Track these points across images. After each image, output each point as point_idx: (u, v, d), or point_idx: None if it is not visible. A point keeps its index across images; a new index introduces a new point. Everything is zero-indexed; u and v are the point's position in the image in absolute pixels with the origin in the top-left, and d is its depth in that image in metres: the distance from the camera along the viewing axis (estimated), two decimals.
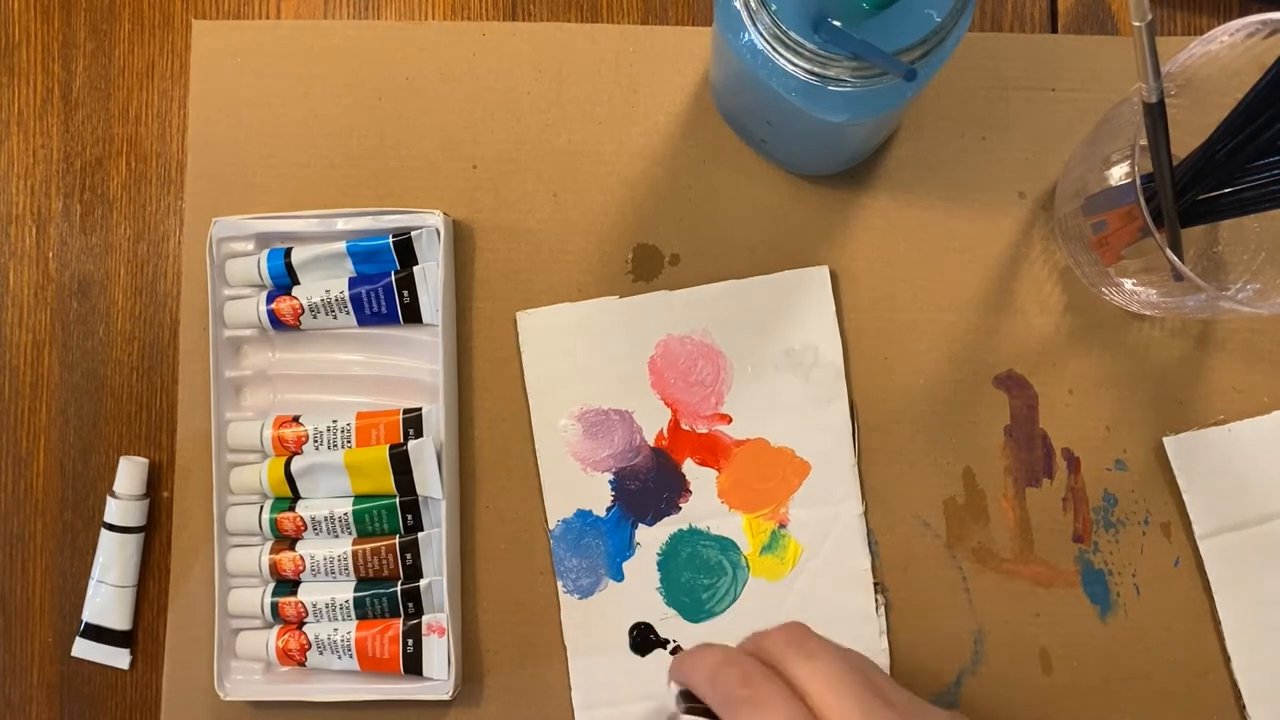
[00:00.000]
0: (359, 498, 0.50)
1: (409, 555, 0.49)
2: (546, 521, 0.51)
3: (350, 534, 0.49)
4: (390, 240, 0.49)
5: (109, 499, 0.51)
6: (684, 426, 0.51)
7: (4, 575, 0.52)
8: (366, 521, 0.49)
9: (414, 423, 0.49)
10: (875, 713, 0.33)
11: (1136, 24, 0.39)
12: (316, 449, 0.50)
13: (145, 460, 0.51)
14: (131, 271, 0.53)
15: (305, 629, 0.49)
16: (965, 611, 0.50)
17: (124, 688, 0.52)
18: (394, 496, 0.49)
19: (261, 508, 0.50)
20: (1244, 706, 0.49)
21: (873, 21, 0.37)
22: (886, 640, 0.50)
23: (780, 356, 0.50)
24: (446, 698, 0.48)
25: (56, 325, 0.53)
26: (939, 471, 0.50)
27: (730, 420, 0.50)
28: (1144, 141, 0.41)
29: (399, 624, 0.49)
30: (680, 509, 0.50)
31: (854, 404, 0.50)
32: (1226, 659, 0.49)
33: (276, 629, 0.49)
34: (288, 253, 0.50)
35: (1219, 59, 0.42)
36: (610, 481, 0.51)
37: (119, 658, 0.51)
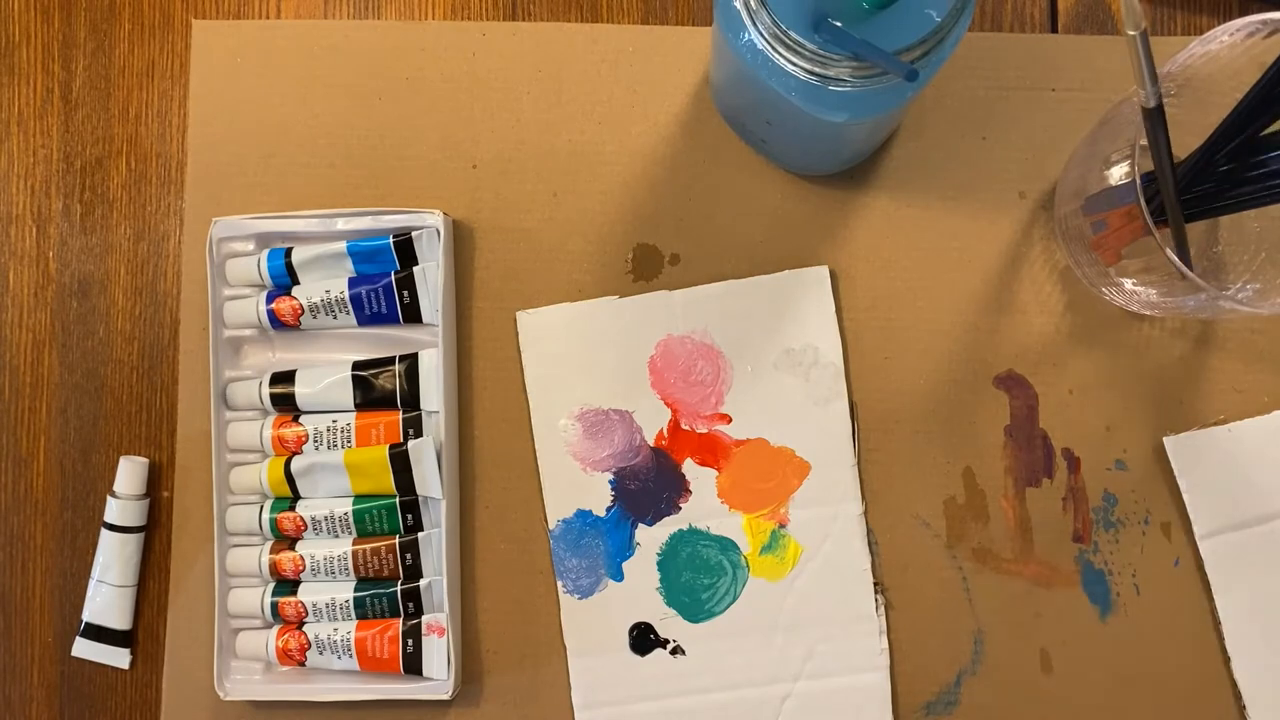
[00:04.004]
0: (359, 497, 0.50)
1: (409, 555, 0.49)
2: (546, 521, 0.51)
3: (350, 534, 0.50)
4: (391, 240, 0.49)
5: (109, 499, 0.51)
6: (684, 426, 0.51)
7: (4, 575, 0.52)
8: (366, 521, 0.49)
9: (414, 423, 0.49)
10: None
11: (1130, 32, 0.39)
12: (316, 449, 0.50)
13: (145, 460, 0.51)
14: (131, 271, 0.53)
15: (305, 629, 0.49)
16: (965, 611, 0.50)
17: (124, 688, 0.52)
18: (394, 496, 0.49)
19: (261, 508, 0.50)
20: (1244, 706, 0.49)
21: (873, 21, 0.37)
22: (886, 640, 0.50)
23: (780, 356, 0.50)
24: (446, 697, 0.48)
25: (56, 325, 0.53)
26: (939, 471, 0.50)
27: (730, 420, 0.50)
28: (1144, 141, 0.42)
29: (399, 624, 0.49)
30: (680, 509, 0.50)
31: (854, 404, 0.50)
32: (1226, 659, 0.49)
33: (276, 629, 0.49)
34: (288, 253, 0.50)
35: (1219, 59, 0.42)
36: (610, 481, 0.51)
37: (119, 658, 0.51)
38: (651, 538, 0.50)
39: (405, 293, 0.49)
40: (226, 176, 0.52)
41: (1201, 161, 0.43)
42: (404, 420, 0.49)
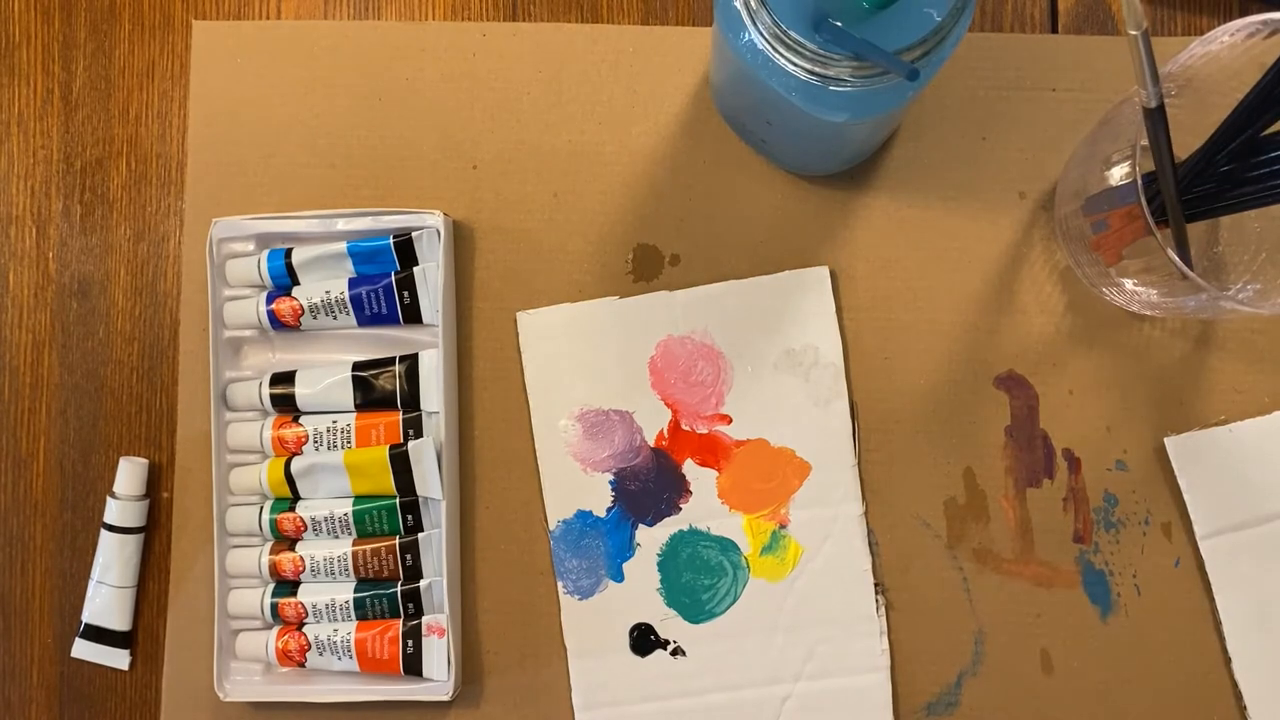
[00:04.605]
0: (359, 498, 0.50)
1: (409, 556, 0.49)
2: (546, 522, 0.51)
3: (350, 534, 0.49)
4: (391, 241, 0.49)
5: (109, 499, 0.51)
6: (684, 427, 0.51)
7: (4, 576, 0.52)
8: (366, 522, 0.49)
9: (414, 423, 0.49)
10: None
11: (1132, 32, 0.39)
12: (316, 449, 0.50)
13: (145, 461, 0.51)
14: (131, 272, 0.53)
15: (305, 630, 0.49)
16: (966, 612, 0.50)
17: (124, 688, 0.52)
18: (394, 497, 0.49)
19: (261, 508, 0.50)
20: (1244, 707, 0.49)
21: (873, 21, 0.37)
22: (887, 640, 0.50)
23: (780, 356, 0.50)
24: (446, 698, 0.48)
25: (56, 326, 0.53)
26: (939, 471, 0.50)
27: (730, 420, 0.50)
28: (1145, 141, 0.42)
29: (399, 625, 0.49)
30: (680, 509, 0.50)
31: (854, 404, 0.50)
32: (1226, 659, 0.49)
33: (276, 630, 0.49)
34: (288, 253, 0.50)
35: (1219, 59, 0.42)
36: (610, 482, 0.50)
37: (119, 658, 0.51)
38: (652, 538, 0.50)
39: (405, 293, 0.49)
40: (226, 176, 0.52)
41: (1202, 162, 0.43)
42: (404, 421, 0.49)
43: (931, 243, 0.51)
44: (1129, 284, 0.46)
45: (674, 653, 0.50)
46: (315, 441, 0.50)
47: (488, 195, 0.52)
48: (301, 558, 0.49)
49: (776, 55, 0.39)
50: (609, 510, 0.50)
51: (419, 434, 0.49)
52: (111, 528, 0.50)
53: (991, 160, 0.51)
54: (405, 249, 0.49)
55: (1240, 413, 0.50)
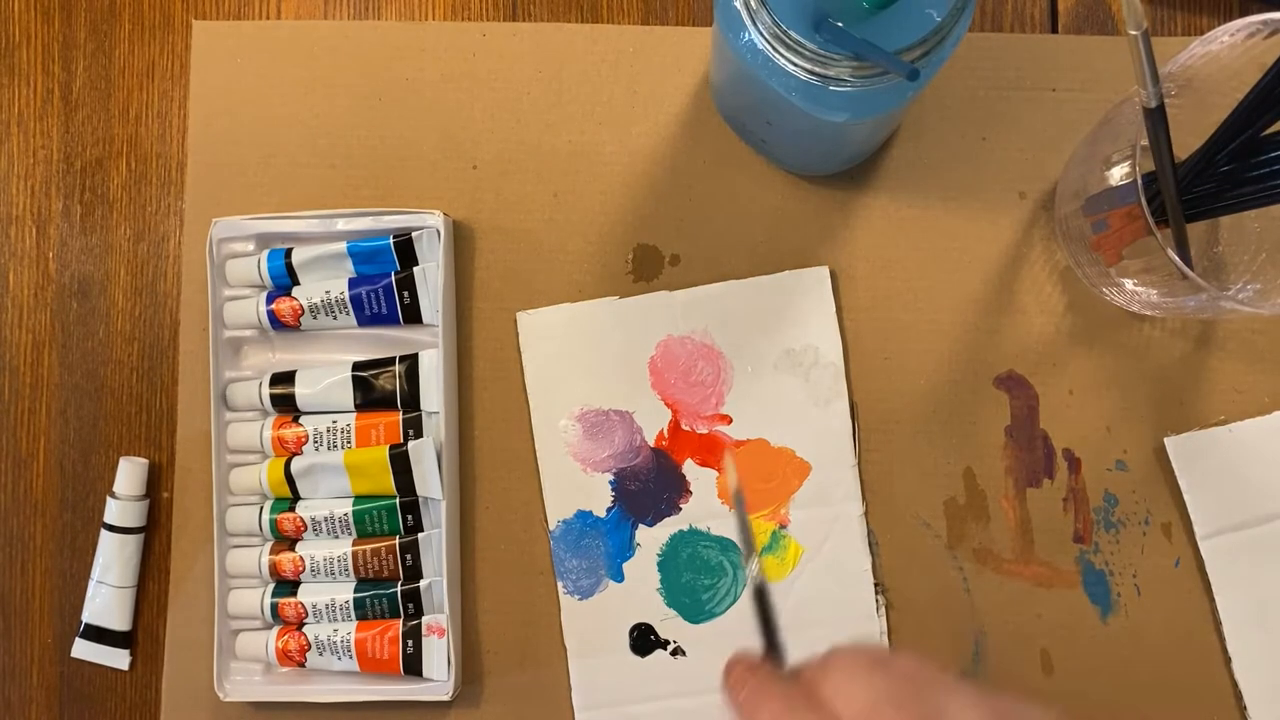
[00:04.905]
0: (359, 498, 0.50)
1: (409, 556, 0.49)
2: (546, 522, 0.50)
3: (350, 534, 0.49)
4: (391, 241, 0.49)
5: (109, 499, 0.51)
6: (684, 427, 0.51)
7: (4, 576, 0.52)
8: (366, 522, 0.49)
9: (414, 423, 0.49)
10: None
11: (1132, 32, 0.39)
12: (316, 449, 0.50)
13: (145, 461, 0.51)
14: (131, 272, 0.53)
15: (305, 630, 0.49)
16: (966, 612, 0.50)
17: (124, 688, 0.52)
18: (394, 497, 0.49)
19: (261, 508, 0.50)
20: (1244, 707, 0.49)
21: (873, 21, 0.37)
22: (887, 641, 0.50)
23: (780, 356, 0.50)
24: (446, 699, 0.48)
25: (56, 326, 0.53)
26: (939, 471, 0.50)
27: (730, 421, 0.50)
28: (1145, 141, 0.42)
29: (399, 625, 0.49)
30: (680, 510, 0.50)
31: (854, 404, 0.50)
32: (1226, 659, 0.49)
33: (276, 630, 0.49)
34: (288, 253, 0.50)
35: (1219, 59, 0.42)
36: (610, 482, 0.50)
37: (119, 658, 0.51)
38: (652, 538, 0.50)
39: (405, 293, 0.49)
40: (226, 176, 0.52)
41: (1202, 162, 0.43)
42: (404, 421, 0.49)
43: (931, 243, 0.51)
44: (1129, 284, 0.46)
45: (674, 653, 0.50)
46: (315, 441, 0.50)
47: (488, 195, 0.52)
48: (301, 558, 0.49)
49: (776, 55, 0.39)
50: (609, 510, 0.50)
51: (419, 434, 0.49)
52: (111, 528, 0.50)
53: (991, 160, 0.51)
54: (405, 249, 0.49)
55: (1240, 413, 0.50)
